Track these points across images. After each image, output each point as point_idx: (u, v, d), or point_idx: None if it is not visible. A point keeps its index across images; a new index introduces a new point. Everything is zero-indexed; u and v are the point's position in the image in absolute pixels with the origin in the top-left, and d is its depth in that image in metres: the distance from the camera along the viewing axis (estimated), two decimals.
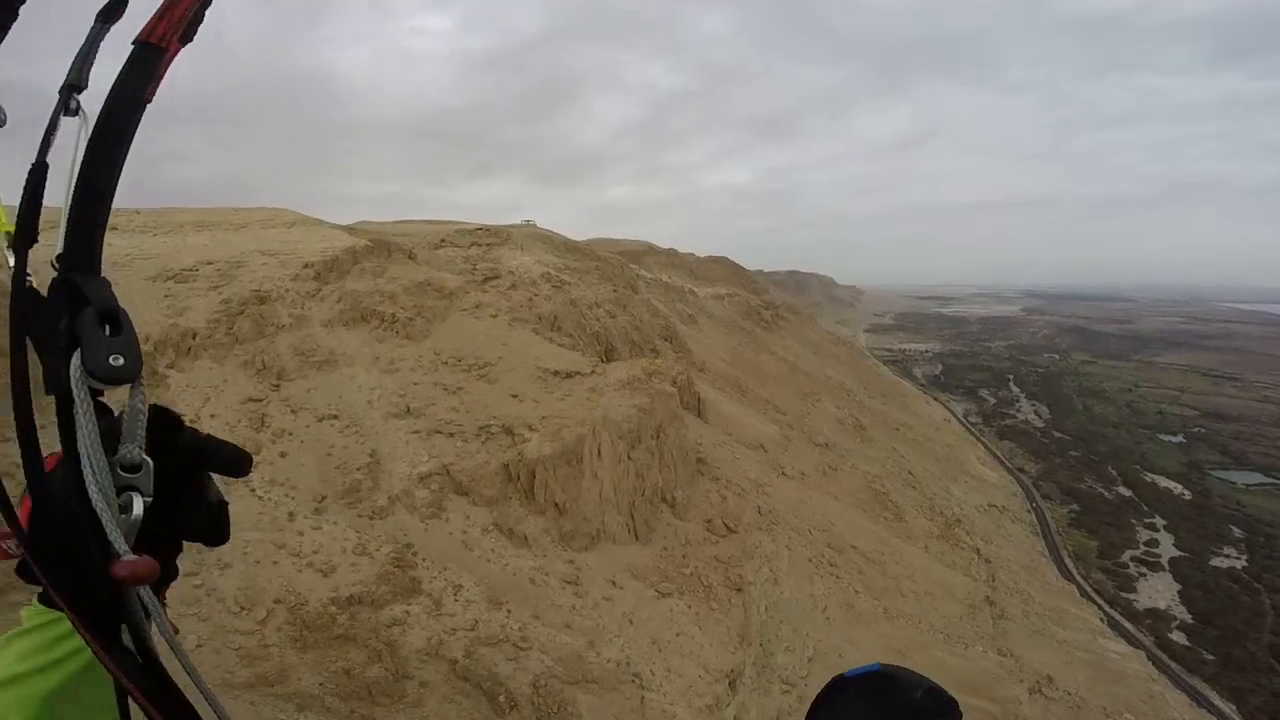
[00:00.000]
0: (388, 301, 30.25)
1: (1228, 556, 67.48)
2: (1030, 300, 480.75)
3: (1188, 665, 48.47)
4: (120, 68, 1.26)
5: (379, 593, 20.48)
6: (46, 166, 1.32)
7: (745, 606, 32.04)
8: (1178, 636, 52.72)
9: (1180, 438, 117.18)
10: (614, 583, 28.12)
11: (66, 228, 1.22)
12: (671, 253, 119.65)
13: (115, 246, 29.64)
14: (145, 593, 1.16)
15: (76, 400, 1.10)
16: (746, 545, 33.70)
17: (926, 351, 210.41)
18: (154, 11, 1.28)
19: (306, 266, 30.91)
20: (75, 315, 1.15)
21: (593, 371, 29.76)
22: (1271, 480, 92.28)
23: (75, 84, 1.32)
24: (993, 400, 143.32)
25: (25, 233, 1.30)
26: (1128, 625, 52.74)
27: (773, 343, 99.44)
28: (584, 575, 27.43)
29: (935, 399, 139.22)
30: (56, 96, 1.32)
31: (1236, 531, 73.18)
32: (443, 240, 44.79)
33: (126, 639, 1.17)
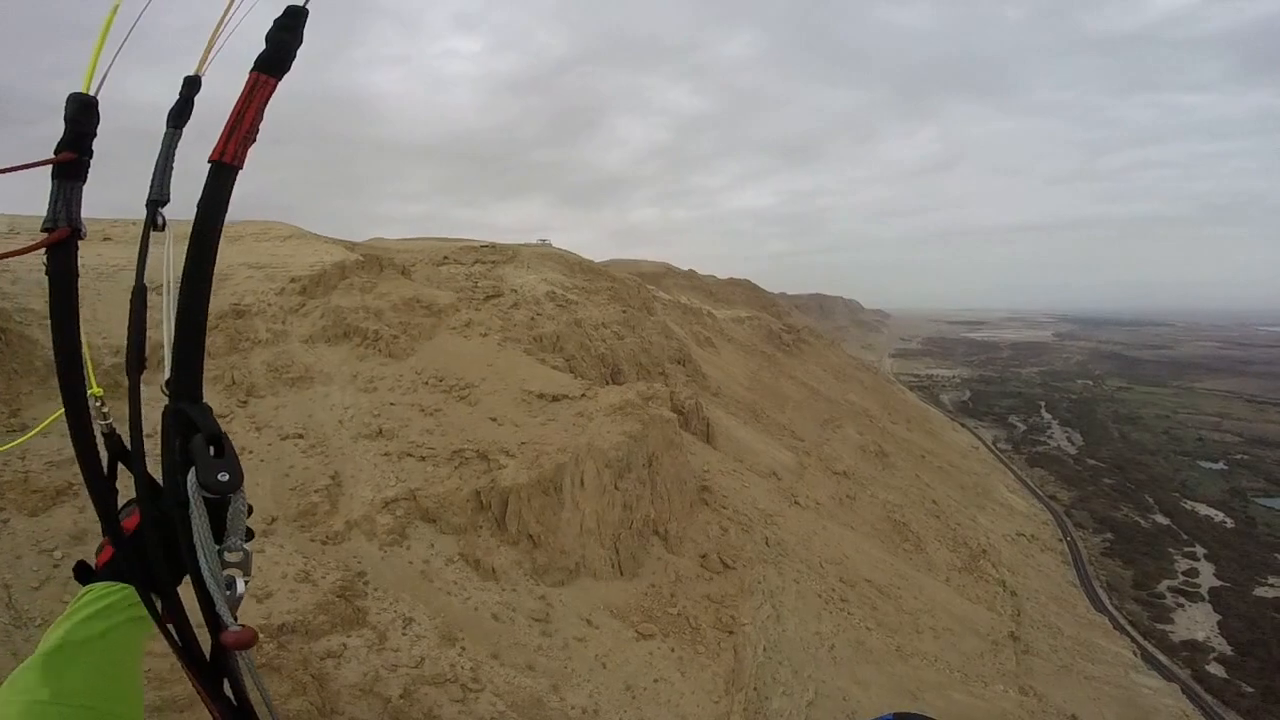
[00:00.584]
0: (373, 318, 28.62)
1: (1273, 586, 61.54)
2: (1063, 325, 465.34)
3: (1224, 699, 43.69)
4: (201, 188, 1.40)
5: (316, 622, 18.43)
6: (146, 290, 1.55)
7: (736, 650, 29.03)
8: (1215, 669, 47.77)
9: (1222, 464, 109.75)
10: (589, 621, 25.54)
11: (172, 359, 1.44)
12: (691, 274, 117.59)
13: (104, 256, 28.62)
14: (245, 654, 1.42)
15: (193, 506, 1.37)
16: (745, 582, 30.77)
17: (954, 377, 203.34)
18: (222, 130, 1.40)
19: (293, 281, 29.51)
20: (187, 439, 1.41)
21: (583, 395, 27.53)
22: None
23: (159, 199, 1.52)
24: (1023, 427, 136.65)
25: (136, 360, 1.56)
26: (1162, 658, 47.92)
27: (793, 367, 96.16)
28: (555, 612, 24.93)
29: (963, 425, 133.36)
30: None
31: None
32: (446, 257, 43.40)
33: (226, 689, 1.46)
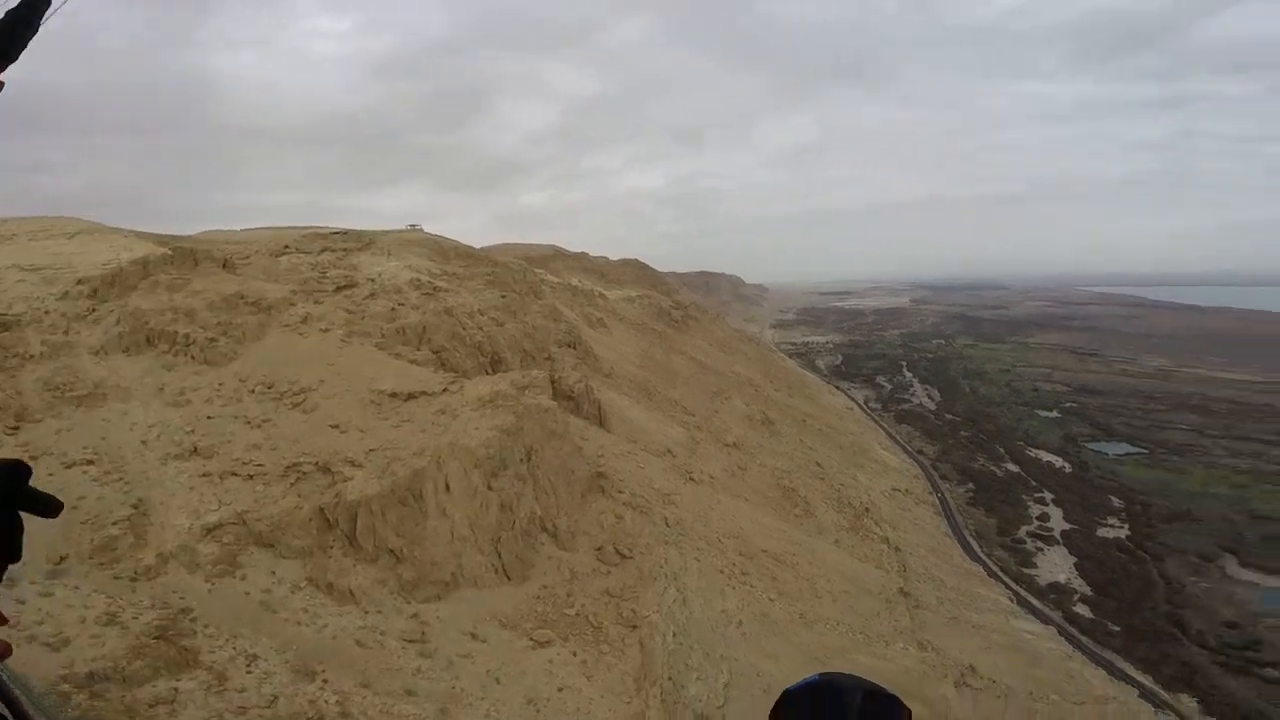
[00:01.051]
0: (184, 320, 23.40)
1: (1112, 527, 67.66)
2: (917, 292, 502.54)
3: (1096, 639, 46.68)
4: None
5: (133, 668, 14.59)
6: None
7: (643, 643, 26.79)
8: (1081, 610, 51.17)
9: (1055, 413, 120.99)
10: (474, 635, 22.31)
11: None
12: (582, 256, 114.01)
13: None
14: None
15: None
16: (645, 570, 28.55)
17: (828, 343, 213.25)
18: None
19: (80, 283, 23.60)
20: None
21: (444, 390, 23.83)
22: (1138, 450, 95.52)
23: None
24: (889, 386, 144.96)
25: None
26: (1035, 602, 50.90)
27: (683, 343, 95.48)
28: (433, 630, 21.53)
29: (838, 388, 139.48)
30: None
31: (1115, 501, 73.94)
32: (286, 247, 37.42)
33: None
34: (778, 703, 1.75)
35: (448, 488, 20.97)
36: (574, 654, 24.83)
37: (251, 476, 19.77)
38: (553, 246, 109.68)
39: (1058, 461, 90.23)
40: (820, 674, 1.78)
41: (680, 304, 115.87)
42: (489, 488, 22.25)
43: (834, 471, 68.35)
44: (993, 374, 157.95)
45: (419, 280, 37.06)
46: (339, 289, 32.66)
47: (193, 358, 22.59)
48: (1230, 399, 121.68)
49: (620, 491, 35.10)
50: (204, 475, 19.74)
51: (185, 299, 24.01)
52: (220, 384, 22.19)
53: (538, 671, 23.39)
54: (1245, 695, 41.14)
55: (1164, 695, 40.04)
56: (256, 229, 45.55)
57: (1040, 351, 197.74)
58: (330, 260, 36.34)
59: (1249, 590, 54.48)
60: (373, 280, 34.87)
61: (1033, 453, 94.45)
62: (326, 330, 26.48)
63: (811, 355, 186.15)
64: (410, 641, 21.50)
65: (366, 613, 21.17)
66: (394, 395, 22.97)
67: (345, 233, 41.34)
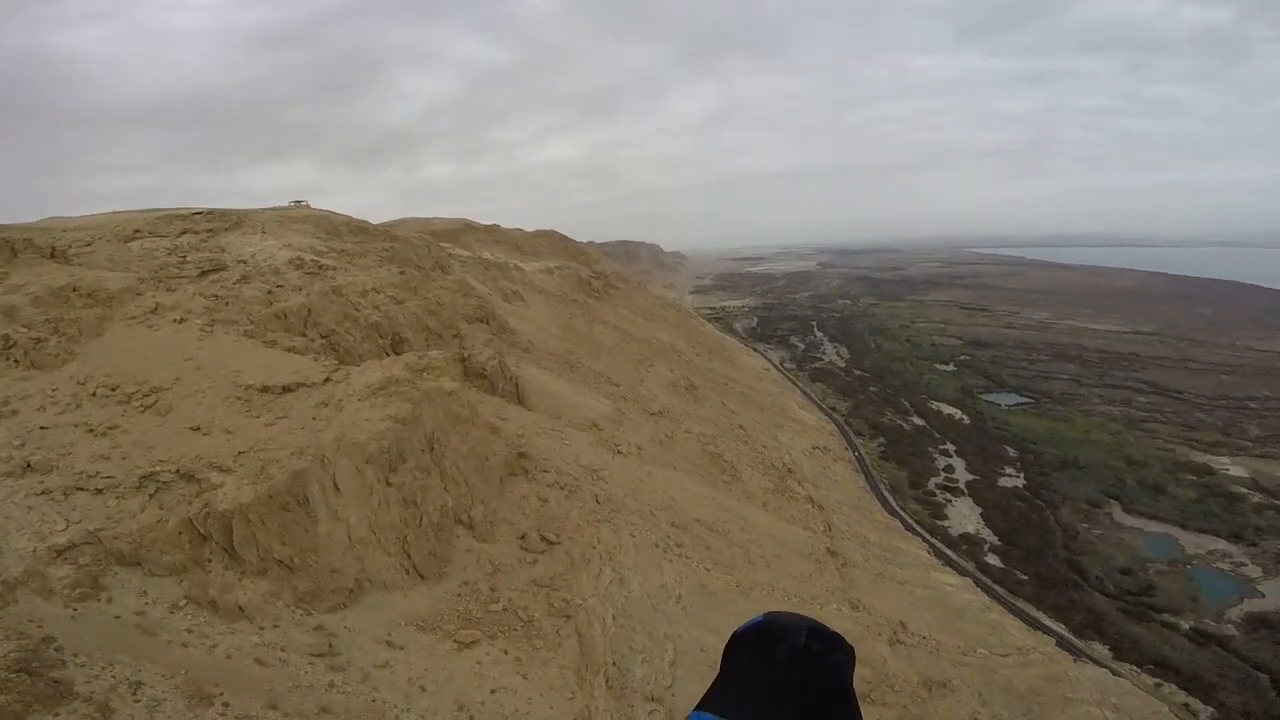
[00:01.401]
0: (2, 320, 18.91)
1: (1010, 476, 71.17)
2: (823, 256, 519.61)
3: (1009, 588, 48.25)
4: None
5: None
6: None
7: (580, 633, 25.05)
8: (992, 560, 53.01)
9: (952, 366, 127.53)
10: (390, 643, 19.83)
11: None
12: (494, 229, 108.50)
13: None
14: None
15: None
16: (575, 555, 26.65)
17: (744, 307, 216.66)
18: None
19: None
20: None
21: (327, 380, 20.64)
22: (1026, 400, 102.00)
23: None
24: (802, 346, 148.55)
25: None
26: (950, 554, 52.64)
27: (605, 312, 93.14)
28: (342, 641, 18.92)
29: (755, 350, 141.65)
30: None
31: (1010, 451, 77.97)
32: (137, 231, 31.94)
33: None
34: (728, 645, 1.77)
35: (337, 488, 18.12)
36: (505, 652, 22.73)
37: (101, 490, 16.22)
38: (461, 220, 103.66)
39: (957, 414, 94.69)
40: (765, 614, 1.80)
41: (601, 274, 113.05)
42: (387, 484, 19.55)
43: (757, 434, 68.67)
44: (894, 330, 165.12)
45: (301, 259, 32.68)
46: (203, 274, 28.10)
47: (16, 362, 18.32)
48: (1100, 348, 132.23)
49: (546, 472, 32.86)
50: (43, 493, 16.00)
51: (3, 295, 19.46)
52: (54, 389, 18.12)
53: (467, 675, 21.20)
54: (1150, 640, 44.10)
55: (1077, 643, 42.34)
56: (104, 214, 38.85)
57: (935, 308, 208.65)
58: (191, 243, 31.29)
59: (1135, 536, 58.38)
60: (244, 262, 30.33)
61: (934, 405, 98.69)
62: (182, 320, 22.43)
63: (729, 319, 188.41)
64: (317, 656, 18.81)
65: (262, 629, 18.29)
66: (266, 389, 19.60)
67: (210, 212, 35.88)
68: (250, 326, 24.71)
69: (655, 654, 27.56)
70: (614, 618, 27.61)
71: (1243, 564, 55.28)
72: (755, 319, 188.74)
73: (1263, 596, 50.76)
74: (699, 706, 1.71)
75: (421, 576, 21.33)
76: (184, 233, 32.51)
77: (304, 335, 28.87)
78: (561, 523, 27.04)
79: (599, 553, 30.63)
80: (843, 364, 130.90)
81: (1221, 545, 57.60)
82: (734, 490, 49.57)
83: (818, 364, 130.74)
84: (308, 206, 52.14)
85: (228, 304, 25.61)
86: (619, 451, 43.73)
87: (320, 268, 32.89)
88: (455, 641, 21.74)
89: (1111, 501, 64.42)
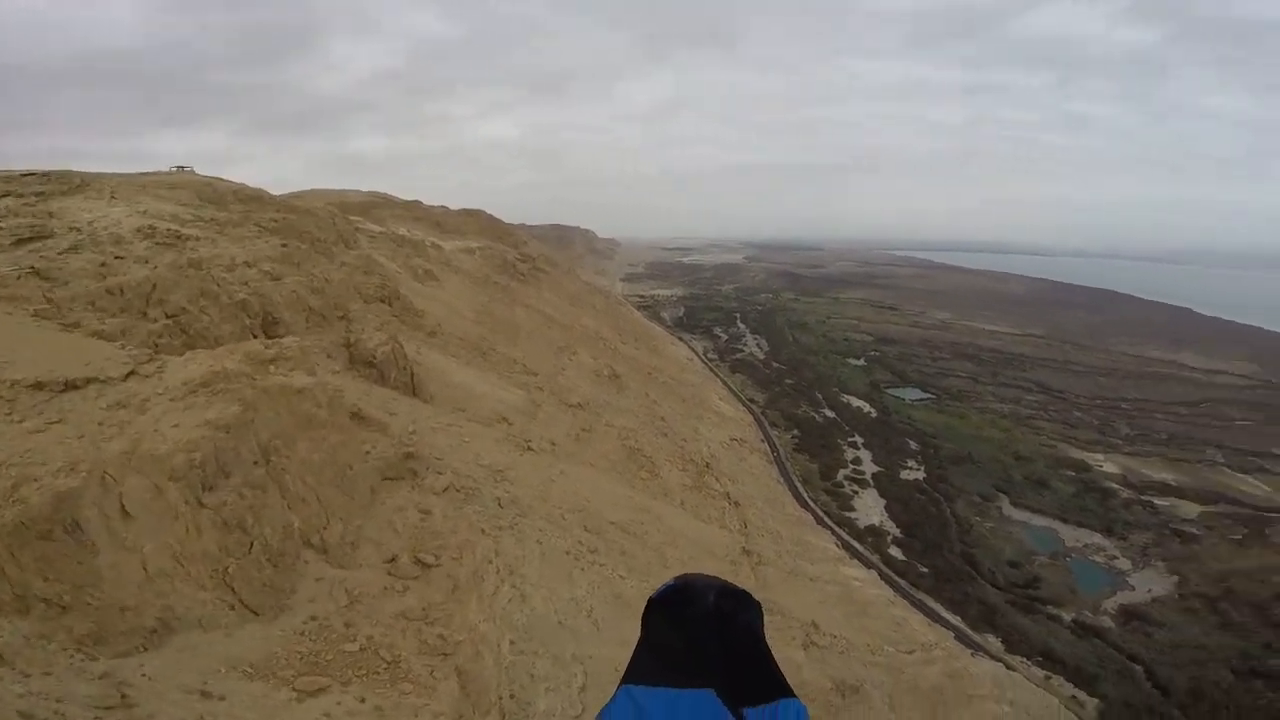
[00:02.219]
0: None
1: (911, 469, 71.86)
2: (750, 250, 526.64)
3: (911, 581, 47.69)
4: None
5: None
6: None
7: (462, 670, 21.20)
8: (895, 552, 52.55)
9: (862, 361, 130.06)
10: (206, 692, 15.40)
11: None
12: (415, 205, 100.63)
13: None
14: None
15: None
16: (461, 577, 22.62)
17: (672, 296, 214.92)
18: None
19: None
20: None
21: (130, 374, 15.73)
22: (929, 395, 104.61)
23: None
24: (725, 336, 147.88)
25: None
26: (858, 545, 51.81)
27: (528, 296, 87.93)
28: (140, 691, 14.32)
29: (680, 339, 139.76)
30: None
31: (912, 445, 79.04)
32: None
33: None
34: (645, 610, 1.80)
35: (125, 512, 13.48)
36: (362, 700, 18.42)
37: None
38: (378, 194, 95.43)
39: (865, 407, 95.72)
40: (677, 577, 1.85)
41: (528, 256, 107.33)
42: (200, 504, 15.01)
43: (678, 425, 66.11)
44: (812, 325, 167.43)
45: (153, 228, 26.57)
46: (20, 242, 21.97)
47: None
48: (995, 349, 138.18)
49: (439, 474, 28.48)
50: None
51: None
52: None
53: None
54: (1037, 633, 44.35)
55: (974, 636, 42.03)
56: None
57: (849, 305, 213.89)
58: (12, 206, 24.72)
59: (1021, 529, 59.72)
60: (78, 230, 24.12)
61: (845, 398, 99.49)
62: None
63: (657, 307, 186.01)
64: (106, 709, 14.05)
65: (29, 676, 13.41)
66: (39, 386, 14.55)
67: (45, 174, 28.86)
68: (45, 305, 19.09)
69: (562, 680, 23.94)
70: (512, 643, 23.77)
71: (1115, 557, 57.36)
72: (682, 308, 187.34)
73: (1133, 589, 52.61)
74: (624, 679, 1.71)
75: (253, 613, 16.85)
76: (4, 195, 25.73)
77: (144, 315, 23.25)
78: (445, 539, 22.89)
79: (496, 568, 26.67)
80: (762, 356, 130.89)
81: (1097, 539, 59.67)
82: (652, 487, 46.56)
83: (739, 355, 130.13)
84: (192, 172, 44.83)
85: (22, 279, 19.80)
86: (529, 448, 39.67)
87: (178, 238, 26.90)
88: (295, 690, 17.34)
89: (1001, 495, 65.97)
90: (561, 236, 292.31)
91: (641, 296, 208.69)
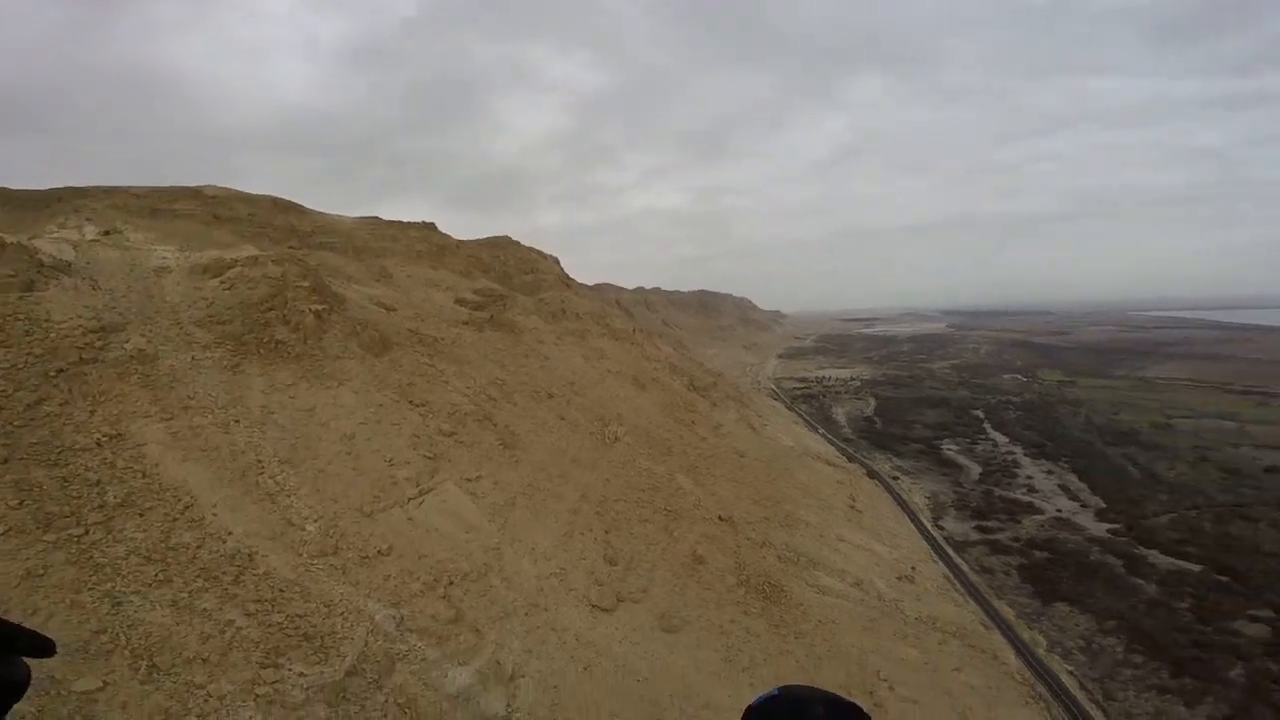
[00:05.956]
0: None
1: None
2: (952, 318, 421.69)
3: None
4: None
5: None
6: None
7: None
8: None
9: None
10: None
11: None
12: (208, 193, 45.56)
13: None
14: None
15: None
16: None
17: (853, 380, 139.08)
18: None
19: None
20: None
21: None
22: None
23: None
24: (976, 467, 70.57)
25: None
26: None
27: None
28: None
29: (873, 477, 66.40)
30: None
31: None
32: None
33: None
34: (744, 717, 1.66)
35: None
36: None
37: None
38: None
39: None
40: (779, 688, 1.72)
41: (495, 297, 45.98)
42: None
43: None
44: (1152, 435, 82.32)
45: None
46: None
47: None
48: None
49: None
50: None
51: None
52: None
53: None
54: None
55: None
56: None
57: (1181, 390, 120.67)
58: None
59: None
60: None
61: None
62: None
63: (827, 399, 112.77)
64: None
65: None
66: None
67: None
68: None
69: None
70: None
71: None
72: (871, 401, 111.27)
73: None
74: None
75: None
76: None
77: None
78: None
79: None
80: (1098, 523, 53.00)
81: None
82: None
83: (1025, 517, 53.79)
84: None
85: None
86: None
87: None
88: None
89: None
90: (705, 303, 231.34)
91: (802, 381, 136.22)
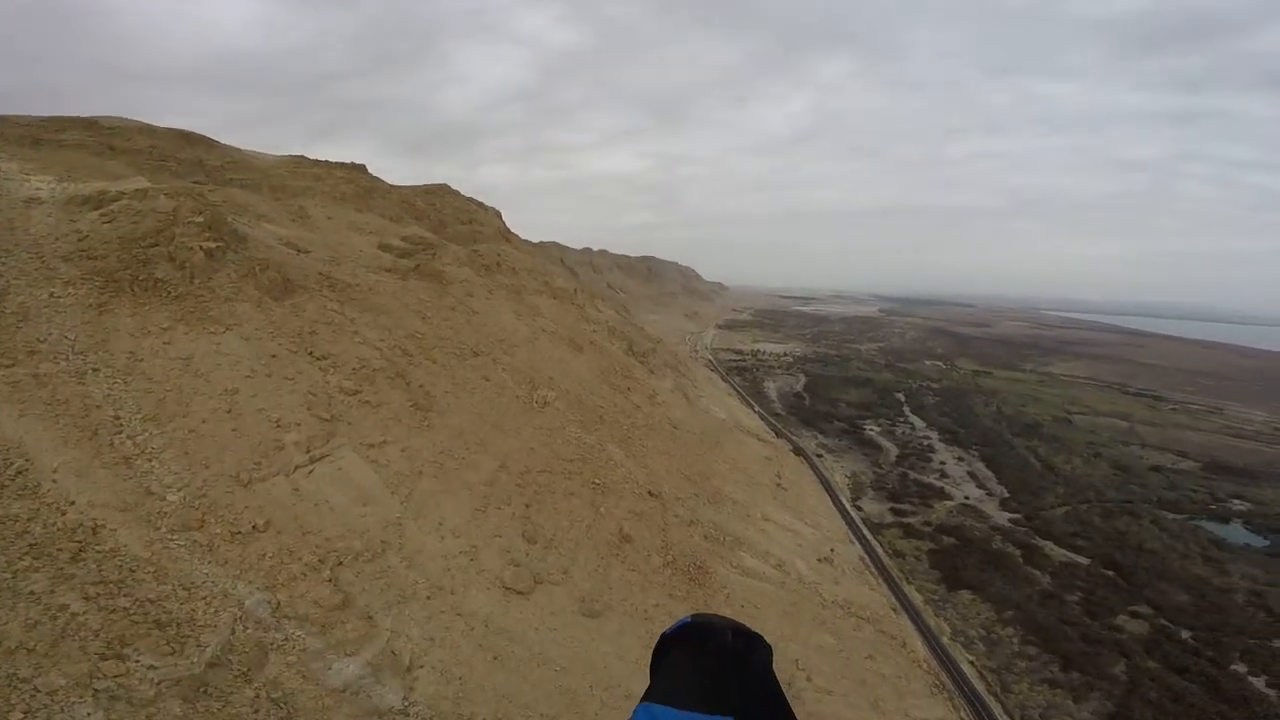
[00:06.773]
0: None
1: None
2: (884, 303, 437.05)
3: None
4: None
5: None
6: None
7: None
8: None
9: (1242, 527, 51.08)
10: None
11: None
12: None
13: None
14: None
15: None
16: None
17: (786, 355, 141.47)
18: None
19: None
20: None
21: None
22: None
23: None
24: (894, 448, 72.82)
25: None
26: None
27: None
28: None
29: (797, 453, 67.24)
30: None
31: None
32: None
33: None
34: (657, 647, 1.76)
35: None
36: None
37: None
38: None
39: None
40: (690, 615, 1.80)
41: (423, 241, 42.02)
42: None
43: None
44: (1054, 428, 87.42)
45: None
46: None
47: None
48: None
49: None
50: None
51: None
52: None
53: None
54: None
55: None
56: None
57: (1082, 388, 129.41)
58: None
59: None
60: None
61: None
62: None
63: (760, 373, 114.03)
64: None
65: None
66: None
67: None
68: None
69: None
70: None
71: None
72: (801, 378, 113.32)
73: None
74: (644, 698, 1.62)
75: None
76: None
77: None
78: None
79: None
80: (1001, 512, 55.50)
81: None
82: None
83: (937, 501, 55.73)
84: None
85: None
86: None
87: None
88: None
89: None
90: (651, 269, 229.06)
91: (738, 354, 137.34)
